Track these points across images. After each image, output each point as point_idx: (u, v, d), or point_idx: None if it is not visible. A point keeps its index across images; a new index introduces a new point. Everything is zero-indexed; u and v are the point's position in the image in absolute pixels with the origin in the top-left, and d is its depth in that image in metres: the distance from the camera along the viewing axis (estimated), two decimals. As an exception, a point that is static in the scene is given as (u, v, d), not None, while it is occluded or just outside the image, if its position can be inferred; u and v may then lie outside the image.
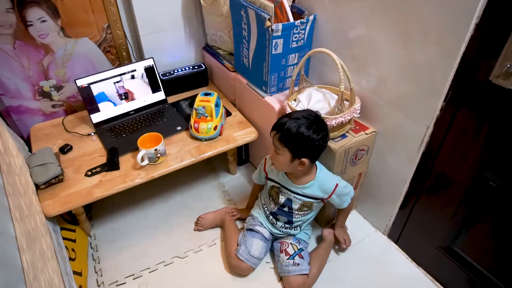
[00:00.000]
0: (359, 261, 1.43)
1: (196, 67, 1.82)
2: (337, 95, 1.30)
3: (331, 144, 1.26)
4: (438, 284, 1.34)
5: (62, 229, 1.38)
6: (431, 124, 1.12)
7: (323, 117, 1.18)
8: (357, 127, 1.33)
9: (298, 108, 1.30)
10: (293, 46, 1.37)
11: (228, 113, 1.66)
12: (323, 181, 1.25)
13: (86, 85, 1.51)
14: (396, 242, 1.49)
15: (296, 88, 1.41)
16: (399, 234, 1.46)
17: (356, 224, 1.56)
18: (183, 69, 1.79)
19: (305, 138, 1.10)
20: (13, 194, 1.03)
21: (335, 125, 1.22)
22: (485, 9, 0.88)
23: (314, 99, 1.31)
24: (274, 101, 1.43)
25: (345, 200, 1.31)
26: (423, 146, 1.18)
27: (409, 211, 1.35)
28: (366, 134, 1.31)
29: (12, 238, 0.87)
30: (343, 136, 1.29)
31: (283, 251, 1.34)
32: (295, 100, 1.38)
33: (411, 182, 1.30)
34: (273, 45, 1.32)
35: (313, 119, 1.12)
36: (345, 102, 1.26)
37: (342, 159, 1.30)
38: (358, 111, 1.27)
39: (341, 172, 1.34)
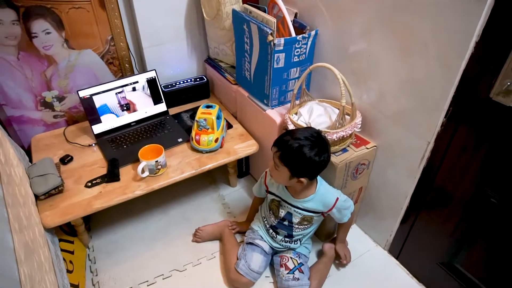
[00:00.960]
0: (359, 277, 1.41)
1: (198, 79, 1.83)
2: (338, 109, 1.30)
3: (332, 158, 1.26)
4: (439, 301, 1.33)
5: (60, 240, 1.37)
6: (432, 140, 1.12)
7: (324, 131, 1.19)
8: (358, 141, 1.34)
9: (299, 122, 1.31)
10: (294, 60, 1.38)
11: (229, 126, 1.67)
12: (324, 195, 1.24)
13: (88, 96, 1.52)
14: (397, 258, 1.48)
15: (297, 102, 1.41)
16: (399, 249, 1.45)
17: (356, 239, 1.54)
18: (185, 81, 1.80)
19: (306, 159, 1.09)
20: (13, 205, 1.02)
21: (336, 139, 1.22)
22: (485, 28, 0.89)
23: (315, 113, 1.31)
24: (275, 114, 1.44)
25: (345, 215, 1.30)
26: (424, 161, 1.18)
27: (410, 226, 1.35)
28: (367, 148, 1.31)
29: (10, 250, 0.86)
30: (344, 150, 1.30)
31: (283, 265, 1.33)
32: (296, 113, 1.38)
33: (411, 197, 1.29)
34: (275, 59, 1.33)
35: (315, 140, 1.11)
36: (346, 116, 1.26)
37: (343, 173, 1.29)
38: (359, 126, 1.27)
39: (342, 186, 1.34)
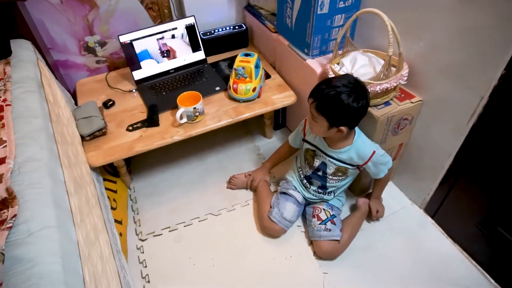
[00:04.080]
0: (391, 233, 1.41)
1: (236, 27, 1.78)
2: (384, 60, 1.23)
3: (373, 111, 1.21)
4: (474, 262, 1.30)
5: (104, 180, 1.45)
6: (487, 94, 1.04)
7: (367, 83, 1.13)
8: (402, 95, 1.27)
9: (341, 72, 1.25)
10: (340, 6, 1.29)
11: (267, 76, 1.63)
12: (360, 146, 1.21)
13: (129, 41, 1.53)
14: (432, 217, 1.45)
15: (340, 52, 1.35)
16: (436, 209, 1.41)
17: (391, 195, 1.52)
18: (224, 29, 1.76)
19: (344, 107, 1.06)
20: (62, 142, 1.08)
21: (379, 92, 1.17)
22: None
23: (359, 63, 1.25)
24: (316, 64, 1.38)
25: (381, 170, 1.27)
26: (474, 117, 1.11)
27: (450, 186, 1.30)
28: (412, 102, 1.24)
29: (62, 182, 0.92)
30: (387, 103, 1.24)
31: (316, 216, 1.34)
32: (338, 63, 1.32)
33: (455, 157, 1.23)
34: (319, 4, 1.25)
35: (352, 86, 1.06)
36: (391, 68, 1.19)
37: (384, 128, 1.25)
38: (405, 78, 1.20)
39: (381, 141, 1.30)
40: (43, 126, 1.00)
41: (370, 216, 1.43)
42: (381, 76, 1.16)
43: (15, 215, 0.74)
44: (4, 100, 1.02)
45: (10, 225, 0.72)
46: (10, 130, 0.93)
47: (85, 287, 0.76)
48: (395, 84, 1.18)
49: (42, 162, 0.89)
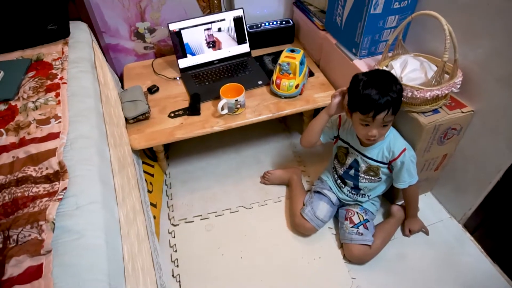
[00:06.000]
0: (426, 245, 1.36)
1: (284, 22, 1.77)
2: (436, 65, 1.19)
3: (420, 118, 1.17)
4: (514, 285, 1.24)
5: (143, 163, 1.49)
6: (548, 110, 0.97)
7: (417, 88, 1.10)
8: (453, 103, 1.21)
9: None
10: (395, 6, 1.25)
11: (310, 73, 1.61)
12: (392, 141, 1.19)
13: (177, 29, 1.56)
14: (471, 234, 1.38)
15: (389, 54, 1.31)
16: (476, 225, 1.35)
17: (429, 207, 1.47)
18: (270, 23, 1.76)
19: (401, 91, 1.08)
20: (109, 123, 1.12)
21: (429, 98, 1.12)
22: None
23: (410, 67, 1.20)
24: (363, 66, 1.35)
25: (403, 178, 1.21)
26: (531, 133, 1.04)
27: (496, 203, 1.23)
28: (462, 112, 1.19)
29: (108, 161, 0.96)
30: (435, 111, 1.19)
31: (348, 218, 1.32)
32: (387, 66, 1.28)
33: (506, 172, 1.17)
34: (373, 3, 1.22)
35: (380, 72, 1.10)
36: (444, 74, 1.14)
37: (429, 136, 1.20)
38: (458, 86, 1.14)
39: (425, 149, 1.25)
40: (94, 106, 1.05)
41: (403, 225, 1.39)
42: (433, 82, 1.12)
43: (65, 188, 0.78)
44: (61, 78, 1.07)
45: (61, 197, 0.76)
46: (65, 107, 0.98)
47: (123, 263, 0.78)
48: (446, 92, 1.13)
49: (92, 140, 0.93)
